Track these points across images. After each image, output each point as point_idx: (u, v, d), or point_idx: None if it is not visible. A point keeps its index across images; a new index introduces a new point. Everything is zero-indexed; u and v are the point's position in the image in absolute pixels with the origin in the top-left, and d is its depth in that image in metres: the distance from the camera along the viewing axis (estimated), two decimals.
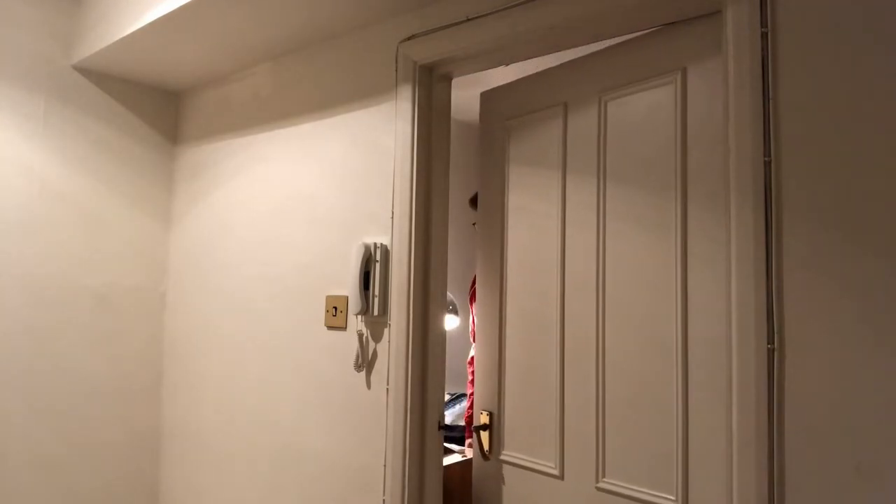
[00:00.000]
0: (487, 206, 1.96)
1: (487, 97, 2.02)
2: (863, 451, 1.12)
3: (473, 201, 2.37)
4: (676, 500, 1.43)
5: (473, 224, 2.40)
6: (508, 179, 1.89)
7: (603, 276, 1.61)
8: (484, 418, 1.85)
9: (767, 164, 1.24)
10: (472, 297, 2.53)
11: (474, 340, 2.52)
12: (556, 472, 1.65)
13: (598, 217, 1.63)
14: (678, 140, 1.50)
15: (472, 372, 2.49)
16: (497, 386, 1.85)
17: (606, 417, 1.57)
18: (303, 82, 2.24)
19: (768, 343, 1.22)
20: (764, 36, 1.26)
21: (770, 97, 1.25)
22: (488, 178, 1.97)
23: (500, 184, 1.92)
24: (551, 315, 1.71)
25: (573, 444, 1.62)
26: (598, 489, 1.56)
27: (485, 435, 1.84)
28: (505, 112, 1.94)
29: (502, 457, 1.81)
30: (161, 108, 2.69)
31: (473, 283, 2.56)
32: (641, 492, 1.49)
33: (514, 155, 1.89)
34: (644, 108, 1.58)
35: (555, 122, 1.78)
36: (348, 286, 1.95)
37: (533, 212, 1.81)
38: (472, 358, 2.51)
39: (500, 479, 1.81)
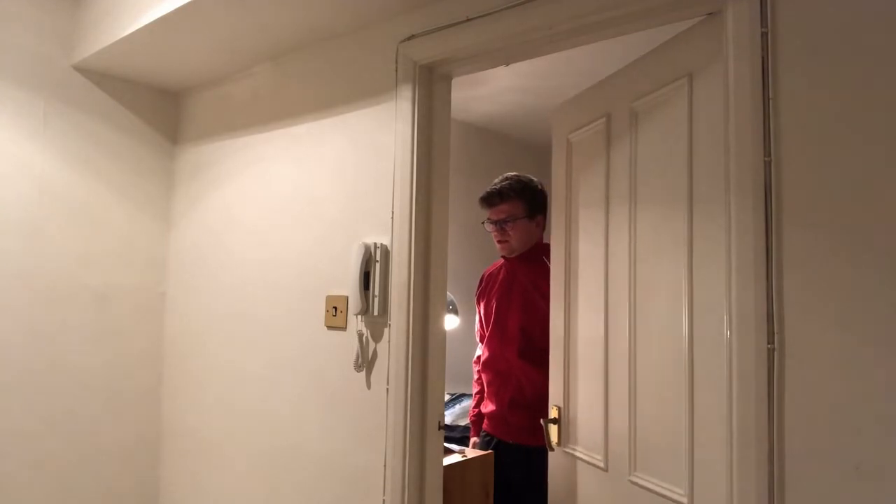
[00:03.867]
0: (556, 224, 2.02)
1: (555, 112, 2.08)
2: (863, 451, 1.12)
3: (485, 200, 2.35)
4: (685, 496, 1.44)
5: (483, 223, 2.39)
6: (571, 198, 1.96)
7: (634, 296, 1.65)
8: (553, 413, 1.93)
9: (767, 164, 1.24)
10: (480, 298, 2.52)
11: (481, 341, 2.52)
12: (602, 464, 1.73)
13: (630, 242, 1.68)
14: (687, 147, 1.49)
15: (479, 371, 2.49)
16: (563, 385, 1.92)
17: (637, 417, 1.62)
18: (303, 82, 2.24)
19: (768, 343, 1.22)
20: (764, 36, 1.26)
21: (770, 97, 1.25)
22: (557, 194, 2.03)
23: (564, 200, 1.98)
24: (600, 327, 1.78)
25: (614, 439, 1.69)
26: (630, 482, 1.62)
27: (553, 427, 1.92)
28: (567, 126, 1.99)
29: (566, 449, 1.89)
30: (161, 108, 2.69)
31: (480, 283, 2.56)
32: (661, 486, 1.52)
33: (574, 168, 1.96)
34: (660, 117, 1.59)
35: (600, 135, 1.82)
36: (348, 286, 1.95)
37: (588, 233, 1.88)
38: (479, 357, 2.51)
39: (565, 468, 1.90)
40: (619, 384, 1.68)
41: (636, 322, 1.64)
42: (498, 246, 2.37)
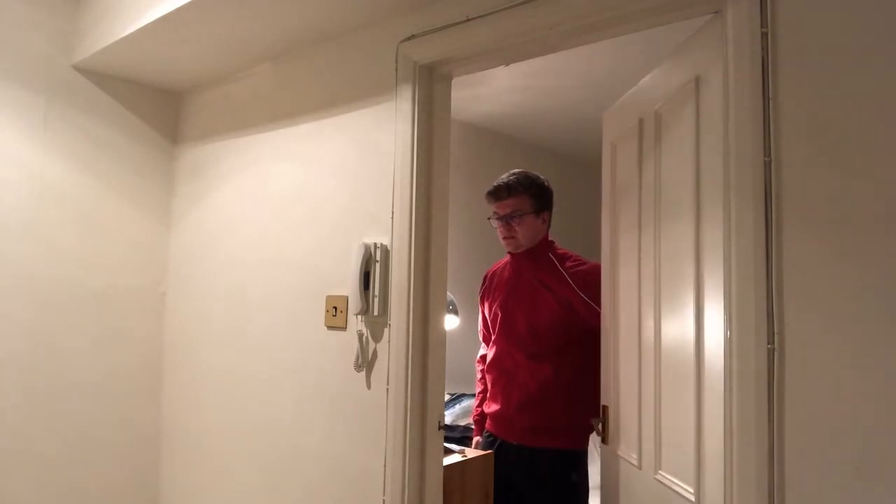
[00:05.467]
0: (604, 228, 2.02)
1: (605, 115, 2.08)
2: (863, 451, 1.12)
3: (492, 194, 2.29)
4: (693, 495, 1.45)
5: (489, 218, 2.35)
6: (617, 201, 1.96)
7: (659, 300, 1.67)
8: (602, 412, 1.97)
9: (767, 164, 1.24)
10: (484, 297, 2.47)
11: (484, 341, 2.48)
12: (636, 462, 1.75)
13: (655, 246, 1.69)
14: (694, 151, 1.49)
15: (482, 370, 2.47)
16: (610, 385, 1.93)
17: (662, 418, 1.64)
18: (303, 82, 2.24)
19: (768, 343, 1.22)
20: (764, 36, 1.26)
21: (770, 97, 1.25)
22: (605, 198, 2.03)
23: (610, 204, 1.99)
24: (635, 333, 1.80)
25: (646, 438, 1.71)
26: (656, 479, 1.65)
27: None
28: (613, 131, 2.00)
29: (612, 447, 1.93)
30: (161, 108, 2.69)
31: (484, 281, 2.50)
32: (678, 485, 1.54)
33: (618, 172, 1.96)
34: (676, 122, 1.60)
35: (634, 140, 1.82)
36: (348, 286, 1.95)
37: (626, 238, 1.89)
38: (483, 356, 2.48)
39: (610, 465, 1.94)
40: (649, 388, 1.70)
41: (661, 324, 1.65)
42: (503, 242, 2.34)
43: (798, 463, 1.18)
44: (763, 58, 1.26)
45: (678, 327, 1.57)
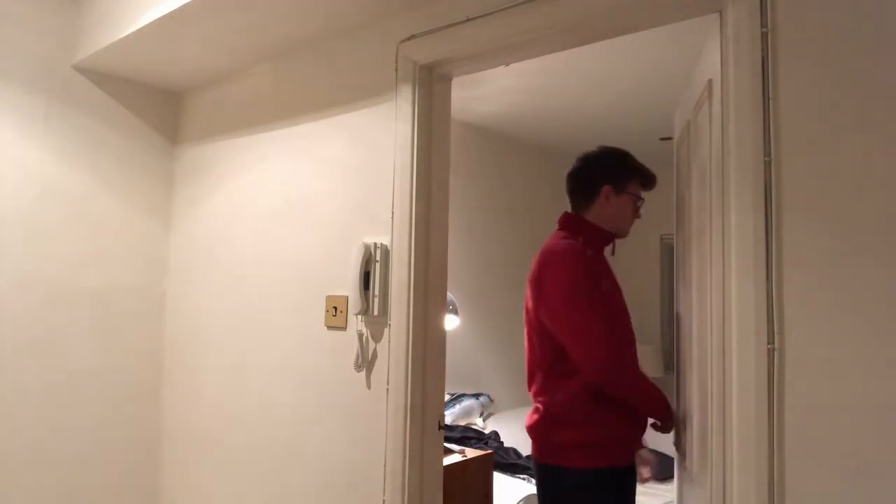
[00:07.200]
0: (677, 236, 2.02)
1: (675, 118, 2.06)
2: (863, 452, 1.12)
3: (573, 175, 2.00)
4: (707, 491, 1.46)
5: (638, 203, 1.97)
6: (679, 203, 1.96)
7: (691, 303, 1.70)
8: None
9: (767, 164, 1.24)
10: (604, 282, 1.93)
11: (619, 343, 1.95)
12: (688, 465, 1.77)
13: (682, 247, 1.75)
14: (707, 153, 1.49)
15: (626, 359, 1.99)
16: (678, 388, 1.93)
17: (693, 418, 1.66)
18: (303, 82, 2.24)
19: (768, 343, 1.22)
20: (764, 36, 1.26)
21: (770, 97, 1.25)
22: (677, 201, 2.01)
23: (677, 209, 1.97)
24: (685, 334, 1.81)
25: (689, 441, 1.74)
26: (692, 479, 1.68)
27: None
28: (676, 132, 2.01)
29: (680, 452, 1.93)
30: (161, 108, 2.69)
31: (589, 260, 1.96)
32: (703, 485, 1.54)
33: (681, 173, 1.95)
34: (700, 125, 1.61)
35: (684, 141, 1.84)
36: (348, 286, 1.95)
37: (684, 246, 1.89)
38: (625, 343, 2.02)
39: (679, 470, 1.98)
40: (690, 387, 1.71)
41: (692, 326, 1.67)
42: (628, 226, 1.98)
43: (798, 463, 1.18)
44: (763, 58, 1.26)
45: (700, 328, 1.57)
